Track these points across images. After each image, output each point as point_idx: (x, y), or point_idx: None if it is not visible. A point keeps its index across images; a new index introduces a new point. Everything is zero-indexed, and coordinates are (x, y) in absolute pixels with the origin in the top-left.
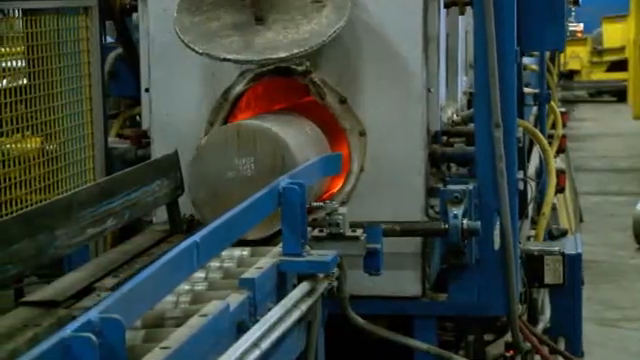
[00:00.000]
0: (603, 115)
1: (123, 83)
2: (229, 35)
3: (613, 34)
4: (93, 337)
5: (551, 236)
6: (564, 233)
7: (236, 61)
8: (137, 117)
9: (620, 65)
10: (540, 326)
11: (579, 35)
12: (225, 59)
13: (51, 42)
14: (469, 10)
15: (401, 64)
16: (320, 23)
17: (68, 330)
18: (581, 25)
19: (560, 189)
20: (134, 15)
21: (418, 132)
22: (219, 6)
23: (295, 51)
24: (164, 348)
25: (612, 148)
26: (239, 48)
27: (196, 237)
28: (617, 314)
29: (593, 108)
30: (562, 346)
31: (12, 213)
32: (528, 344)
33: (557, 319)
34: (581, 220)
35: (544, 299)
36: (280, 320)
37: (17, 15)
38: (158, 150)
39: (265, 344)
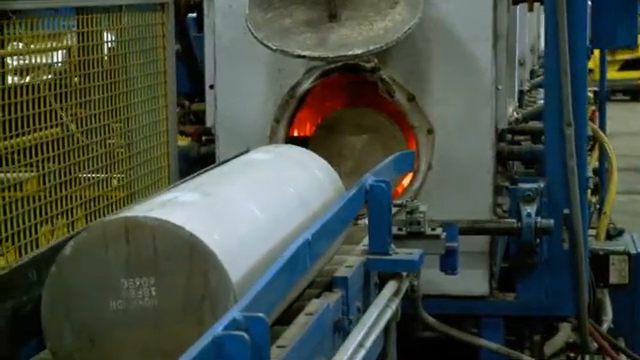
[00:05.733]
0: (618, 114)
1: (178, 80)
2: (302, 32)
3: None
4: (246, 335)
5: (608, 235)
6: (621, 232)
7: (311, 58)
8: (190, 115)
9: (633, 64)
10: (604, 326)
11: None
12: (299, 56)
13: (130, 39)
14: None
15: (471, 61)
16: (394, 20)
17: (219, 328)
18: None
19: None
20: None
21: (486, 130)
22: (290, 3)
23: (371, 48)
24: (280, 347)
25: (632, 147)
26: (313, 45)
27: (307, 235)
28: None
29: (607, 107)
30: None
31: (97, 211)
32: (595, 344)
33: (617, 319)
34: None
35: (606, 299)
36: (377, 319)
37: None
38: (223, 147)
39: (368, 343)
